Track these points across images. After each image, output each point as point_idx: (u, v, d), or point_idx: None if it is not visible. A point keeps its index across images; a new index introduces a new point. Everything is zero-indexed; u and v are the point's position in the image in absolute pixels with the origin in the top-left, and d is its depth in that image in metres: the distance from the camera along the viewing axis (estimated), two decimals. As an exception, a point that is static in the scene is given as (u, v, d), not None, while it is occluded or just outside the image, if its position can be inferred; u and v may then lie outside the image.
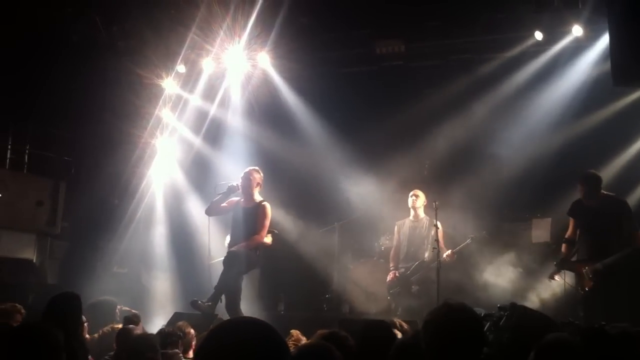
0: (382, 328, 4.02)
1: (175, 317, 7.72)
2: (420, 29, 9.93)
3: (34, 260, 10.28)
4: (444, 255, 8.41)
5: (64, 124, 10.69)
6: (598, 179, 7.50)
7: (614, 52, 6.81)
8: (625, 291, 7.17)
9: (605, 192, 7.47)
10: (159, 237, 10.69)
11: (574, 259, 7.62)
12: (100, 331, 6.31)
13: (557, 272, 7.63)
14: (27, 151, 10.61)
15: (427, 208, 9.02)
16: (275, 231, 9.23)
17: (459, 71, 9.74)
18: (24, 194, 10.27)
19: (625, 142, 8.76)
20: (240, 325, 1.99)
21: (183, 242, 10.56)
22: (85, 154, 10.83)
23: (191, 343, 5.92)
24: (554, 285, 8.30)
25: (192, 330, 5.98)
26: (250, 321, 2.01)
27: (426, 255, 8.77)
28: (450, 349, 3.10)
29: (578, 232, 7.69)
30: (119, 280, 9.74)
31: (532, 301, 8.16)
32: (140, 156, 10.63)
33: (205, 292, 9.42)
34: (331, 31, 10.15)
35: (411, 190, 9.15)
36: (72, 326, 4.75)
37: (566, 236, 7.79)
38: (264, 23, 9.65)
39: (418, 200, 9.02)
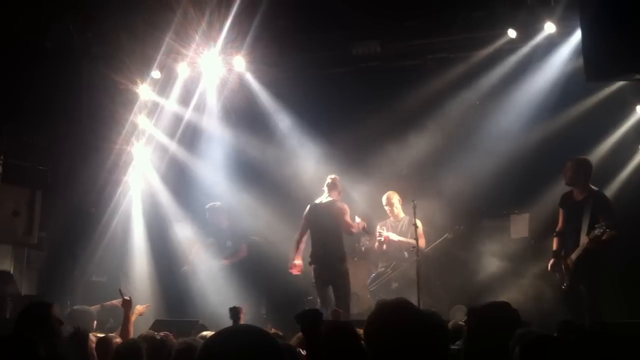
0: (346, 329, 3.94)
1: (157, 325, 7.66)
2: (395, 29, 9.95)
3: (11, 271, 10.13)
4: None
5: (39, 133, 10.55)
6: (589, 167, 7.58)
7: (586, 48, 6.86)
8: (592, 284, 7.26)
9: (592, 187, 7.54)
10: (137, 244, 10.62)
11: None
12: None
13: (555, 263, 7.62)
14: (1, 161, 10.45)
15: (405, 207, 9.09)
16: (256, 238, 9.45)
17: (435, 70, 9.79)
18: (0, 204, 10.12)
19: (599, 137, 8.86)
20: (236, 333, 1.99)
21: (162, 248, 10.51)
22: (61, 162, 10.67)
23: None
24: (534, 281, 8.39)
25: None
26: (246, 329, 2.01)
27: (406, 254, 8.82)
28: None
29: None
30: (98, 289, 9.64)
31: (512, 296, 8.21)
32: (117, 163, 10.52)
33: (185, 298, 9.48)
34: (307, 33, 10.12)
35: (389, 190, 9.25)
36: (46, 336, 4.68)
37: (557, 229, 7.79)
38: (240, 27, 9.62)
39: (392, 198, 9.12)
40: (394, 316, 2.91)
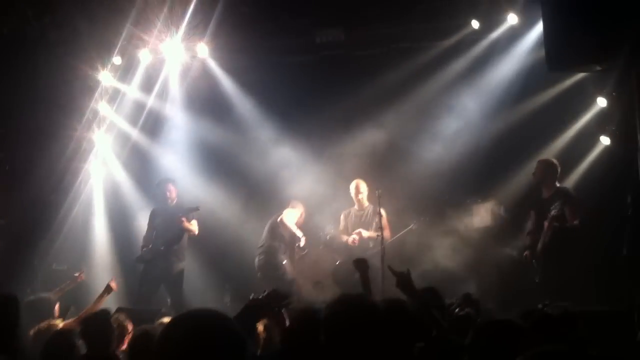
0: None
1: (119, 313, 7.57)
2: (359, 17, 9.92)
3: (-32, 261, 9.91)
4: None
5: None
6: (556, 168, 7.88)
7: (548, 38, 6.95)
8: (554, 268, 7.46)
9: (557, 184, 7.84)
10: (99, 232, 10.47)
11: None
12: (37, 328, 6.13)
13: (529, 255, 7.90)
14: (-45, 149, 10.19)
15: (370, 196, 9.12)
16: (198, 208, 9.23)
17: (398, 60, 9.78)
18: (-45, 192, 9.88)
19: (561, 127, 8.96)
20: (198, 316, 2.00)
21: (123, 236, 10.37)
22: (19, 150, 10.44)
23: (124, 337, 5.79)
24: (497, 269, 8.52)
25: (129, 326, 5.86)
26: (208, 311, 2.01)
27: (371, 244, 8.86)
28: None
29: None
30: (59, 278, 9.45)
31: (475, 285, 8.31)
32: (76, 150, 10.32)
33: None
34: (271, 20, 10.04)
35: (354, 179, 9.25)
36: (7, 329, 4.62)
37: (528, 230, 8.12)
38: (203, 13, 9.51)
39: (361, 186, 9.13)
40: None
